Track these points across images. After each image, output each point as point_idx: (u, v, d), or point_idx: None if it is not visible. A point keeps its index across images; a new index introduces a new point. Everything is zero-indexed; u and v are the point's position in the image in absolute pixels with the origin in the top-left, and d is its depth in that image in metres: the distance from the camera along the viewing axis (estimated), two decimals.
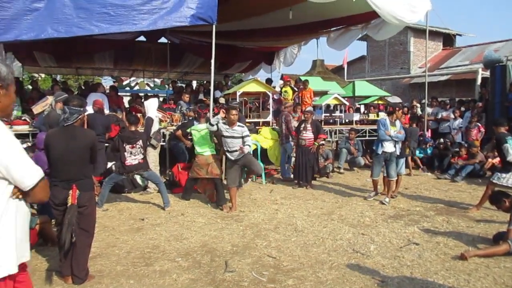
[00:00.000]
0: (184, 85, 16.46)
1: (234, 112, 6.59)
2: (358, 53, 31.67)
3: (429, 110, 12.37)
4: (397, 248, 4.91)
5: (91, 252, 4.17)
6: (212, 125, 6.65)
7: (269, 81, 13.19)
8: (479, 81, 13.97)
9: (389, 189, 7.31)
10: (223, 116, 6.98)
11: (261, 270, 4.26)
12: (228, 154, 6.71)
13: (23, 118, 8.44)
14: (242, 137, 6.58)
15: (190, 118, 9.31)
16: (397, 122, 7.22)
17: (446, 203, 7.23)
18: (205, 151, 6.85)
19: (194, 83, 20.24)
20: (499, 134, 6.60)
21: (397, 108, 7.43)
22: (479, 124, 10.69)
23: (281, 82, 12.44)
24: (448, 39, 23.05)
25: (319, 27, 12.55)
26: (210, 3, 7.46)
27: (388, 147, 7.09)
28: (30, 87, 12.87)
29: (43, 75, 23.26)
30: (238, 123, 6.66)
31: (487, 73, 12.49)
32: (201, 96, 12.39)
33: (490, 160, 8.86)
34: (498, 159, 7.21)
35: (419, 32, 21.43)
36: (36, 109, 8.40)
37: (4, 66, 1.95)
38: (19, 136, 7.99)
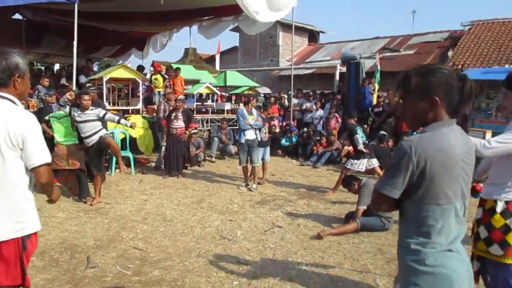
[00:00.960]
0: (43, 68, 14.98)
1: (86, 97, 6.26)
2: (232, 44, 32.29)
3: (295, 101, 13.20)
4: (262, 232, 5.17)
5: None
6: (62, 105, 6.44)
7: (140, 68, 12.72)
8: (337, 76, 15.31)
9: (255, 175, 7.64)
10: (70, 98, 6.77)
11: (126, 263, 4.13)
12: (84, 141, 6.38)
13: None
14: (101, 118, 6.37)
15: (50, 104, 8.51)
16: (254, 111, 7.61)
17: (308, 187, 7.82)
18: (65, 141, 6.31)
19: (57, 66, 18.55)
20: (350, 125, 7.37)
21: (251, 98, 7.86)
22: (337, 115, 11.74)
23: (152, 69, 12.10)
24: (312, 36, 24.81)
25: (191, 15, 12.47)
26: None
27: (250, 135, 7.43)
28: None
29: None
30: (91, 107, 6.37)
31: (344, 69, 13.75)
32: (63, 81, 11.41)
33: (345, 147, 9.85)
34: (351, 147, 8.05)
35: (287, 27, 22.61)
36: None
37: (21, 58, 2.32)
38: None
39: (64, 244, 4.61)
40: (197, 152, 9.73)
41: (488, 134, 6.58)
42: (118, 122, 6.78)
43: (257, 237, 4.98)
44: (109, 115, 6.58)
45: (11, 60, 2.28)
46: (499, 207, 2.60)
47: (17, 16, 12.83)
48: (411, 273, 1.76)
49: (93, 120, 6.27)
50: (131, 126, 7.15)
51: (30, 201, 2.37)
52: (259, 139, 7.57)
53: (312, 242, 4.86)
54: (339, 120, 11.63)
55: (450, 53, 16.23)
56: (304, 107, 13.14)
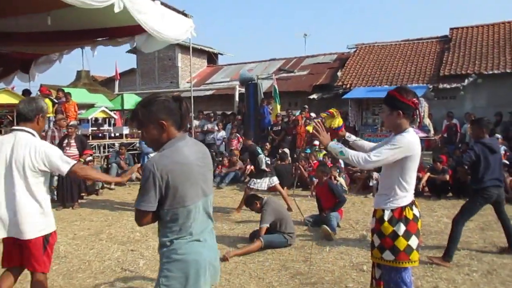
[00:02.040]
0: None
1: None
2: (129, 66, 31.39)
3: (196, 122, 13.18)
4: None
5: None
6: None
7: (27, 92, 11.75)
8: (237, 96, 15.65)
9: None
10: None
11: None
12: None
13: None
14: None
15: None
16: None
17: (213, 209, 7.76)
18: None
19: None
20: (250, 147, 7.56)
21: None
22: (238, 135, 11.96)
23: (38, 93, 11.26)
24: (211, 57, 25.12)
25: (84, 36, 11.88)
26: None
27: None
28: None
29: None
30: None
31: (243, 89, 14.11)
32: None
33: (248, 167, 10.04)
34: (253, 166, 8.23)
35: (185, 49, 22.57)
36: None
37: (44, 102, 3.28)
38: None
39: None
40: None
41: None
42: None
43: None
44: None
45: (38, 103, 3.17)
46: (386, 215, 2.82)
47: None
48: (166, 262, 2.09)
49: None
50: None
51: (48, 207, 3.13)
52: None
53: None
54: (241, 140, 11.85)
55: (339, 73, 17.49)
56: (206, 128, 13.17)
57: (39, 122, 3.14)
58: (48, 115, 9.87)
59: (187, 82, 23.07)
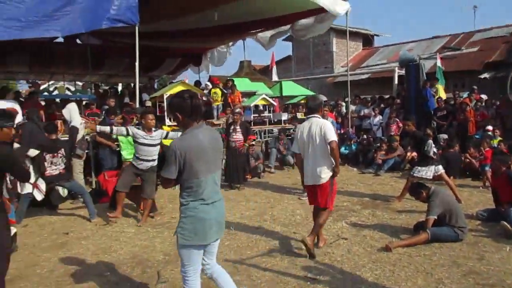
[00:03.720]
0: (107, 88, 15.79)
1: (150, 116, 6.06)
2: (284, 53, 32.35)
3: (352, 107, 12.94)
4: (327, 244, 5.06)
5: (9, 274, 3.81)
6: (126, 134, 6.12)
7: (197, 83, 13.05)
8: (396, 79, 14.84)
9: None
10: (119, 121, 6.74)
11: None
12: (137, 162, 6.10)
13: None
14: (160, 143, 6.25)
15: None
16: (328, 119, 7.44)
17: (371, 196, 7.59)
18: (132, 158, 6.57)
19: (120, 86, 19.48)
20: (414, 132, 7.09)
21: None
22: (397, 120, 11.36)
23: (208, 83, 12.36)
24: (367, 40, 24.34)
25: (246, 28, 12.64)
26: (129, 4, 7.20)
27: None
28: None
29: None
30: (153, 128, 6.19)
31: (403, 71, 13.31)
32: (126, 100, 11.94)
33: (409, 153, 9.48)
34: (415, 153, 7.73)
35: (340, 32, 22.35)
36: None
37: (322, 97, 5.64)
38: None
39: (135, 259, 4.77)
40: (257, 164, 9.78)
41: None
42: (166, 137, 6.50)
43: (322, 250, 4.89)
44: (171, 133, 6.42)
45: (319, 99, 5.33)
46: None
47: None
48: (183, 217, 2.89)
49: (156, 145, 6.15)
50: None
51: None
52: None
53: (381, 255, 4.69)
54: (400, 125, 11.24)
55: None
56: (362, 113, 12.85)
57: (321, 111, 5.22)
58: (217, 103, 10.83)
59: (342, 67, 22.78)
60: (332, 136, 4.61)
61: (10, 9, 6.49)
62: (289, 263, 4.52)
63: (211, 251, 3.13)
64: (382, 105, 12.99)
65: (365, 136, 11.49)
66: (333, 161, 4.71)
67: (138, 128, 6.09)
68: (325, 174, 4.69)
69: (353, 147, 11.35)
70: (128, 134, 6.03)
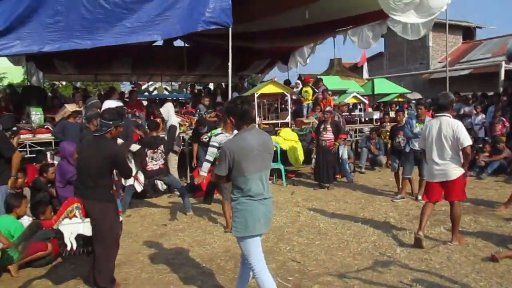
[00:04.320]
0: (202, 88, 16.50)
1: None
2: (376, 50, 31.28)
3: None
4: (425, 250, 4.80)
5: (116, 259, 4.16)
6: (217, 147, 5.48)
7: (287, 81, 13.13)
8: (502, 74, 13.61)
9: (421, 187, 7.21)
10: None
11: (286, 275, 4.22)
12: None
13: (45, 126, 8.59)
14: None
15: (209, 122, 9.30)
16: (426, 119, 7.04)
17: (473, 201, 7.03)
18: None
19: (211, 85, 20.26)
20: None
21: (419, 106, 7.30)
22: (504, 119, 10.40)
23: (297, 82, 12.35)
24: (468, 32, 22.59)
25: (336, 25, 12.41)
26: (223, 6, 7.43)
27: (417, 145, 6.96)
28: (50, 95, 13.05)
29: (63, 83, 23.61)
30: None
31: (511, 66, 12.16)
32: (218, 99, 12.38)
33: None
34: None
35: (437, 26, 20.92)
36: (57, 117, 8.57)
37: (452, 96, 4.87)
38: (42, 144, 8.15)
39: (228, 252, 4.93)
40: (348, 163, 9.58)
41: None
42: None
43: (419, 256, 4.64)
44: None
45: (450, 97, 5.11)
46: None
47: (179, 42, 14.47)
48: (234, 211, 3.22)
49: None
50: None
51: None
52: None
53: (486, 265, 4.33)
54: (507, 124, 10.28)
55: None
56: (462, 112, 11.94)
57: (452, 109, 5.10)
58: (307, 102, 10.79)
59: (439, 62, 21.45)
60: (467, 141, 4.72)
61: (119, 16, 7.05)
62: (383, 267, 4.36)
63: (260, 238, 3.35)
64: (485, 103, 11.97)
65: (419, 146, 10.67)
66: (463, 160, 4.88)
67: (217, 135, 5.70)
68: (457, 170, 4.84)
69: None
70: (218, 148, 5.42)
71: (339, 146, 8.61)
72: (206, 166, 5.50)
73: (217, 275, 4.28)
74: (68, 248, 3.72)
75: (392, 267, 4.35)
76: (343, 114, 10.93)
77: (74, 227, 3.74)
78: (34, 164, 7.49)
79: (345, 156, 9.06)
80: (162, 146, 6.77)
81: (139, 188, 6.65)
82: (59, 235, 3.73)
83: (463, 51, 21.52)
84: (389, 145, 10.49)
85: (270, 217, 3.31)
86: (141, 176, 6.64)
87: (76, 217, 3.75)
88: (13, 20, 6.64)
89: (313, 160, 8.64)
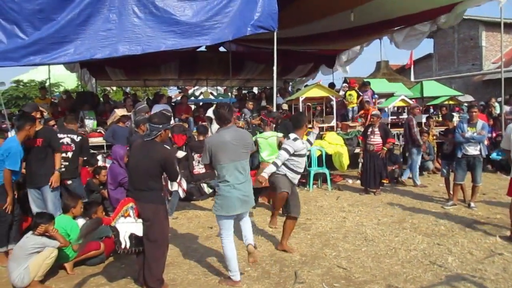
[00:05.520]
0: (246, 92, 16.62)
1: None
2: (424, 52, 30.30)
3: (506, 108, 11.53)
4: (478, 260, 4.59)
5: None
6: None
7: (331, 85, 12.97)
8: None
9: (474, 194, 6.98)
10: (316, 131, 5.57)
11: (332, 282, 4.16)
12: (294, 176, 5.06)
13: (98, 130, 8.97)
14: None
15: (254, 125, 9.35)
16: (479, 123, 6.76)
17: None
18: (271, 159, 6.76)
19: (255, 90, 20.39)
20: None
21: (473, 110, 6.99)
22: None
23: (345, 85, 12.16)
24: None
25: (382, 27, 12.14)
26: (270, 11, 7.49)
27: (470, 150, 6.69)
28: (102, 100, 13.62)
29: (114, 88, 24.57)
30: None
31: None
32: (263, 103, 12.42)
33: None
34: None
35: (491, 25, 20.13)
36: (108, 121, 8.93)
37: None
38: (95, 147, 8.51)
39: (273, 257, 4.93)
40: (394, 168, 9.33)
41: None
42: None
43: (472, 266, 4.44)
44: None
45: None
46: None
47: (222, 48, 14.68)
48: (216, 195, 4.13)
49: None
50: None
51: None
52: (484, 155, 6.84)
53: None
54: None
55: None
56: None
57: None
58: (352, 106, 10.61)
59: (493, 63, 20.51)
60: None
61: (168, 22, 7.24)
62: (434, 276, 4.21)
63: (242, 218, 4.29)
64: None
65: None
66: None
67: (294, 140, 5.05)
68: None
69: None
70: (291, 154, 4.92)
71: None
72: (271, 169, 4.85)
73: (262, 279, 4.29)
74: (123, 246, 3.86)
75: (443, 276, 4.20)
76: (392, 118, 10.68)
77: (128, 226, 3.87)
78: (86, 167, 7.84)
79: (415, 158, 8.83)
80: None
81: (182, 194, 6.81)
82: (116, 232, 3.87)
83: None
84: (434, 149, 10.16)
85: (247, 200, 4.09)
86: (183, 183, 6.78)
87: (130, 216, 3.88)
88: (68, 28, 6.97)
89: (360, 165, 8.47)
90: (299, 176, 5.16)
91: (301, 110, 9.62)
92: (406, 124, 8.91)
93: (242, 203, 4.03)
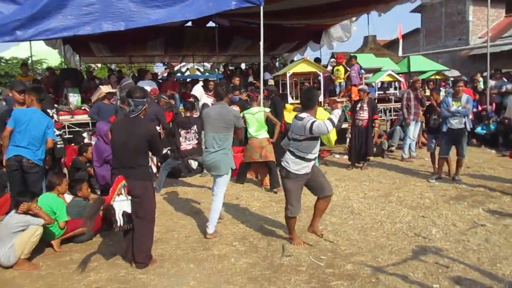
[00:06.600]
0: (233, 68, 16.45)
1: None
2: (411, 26, 30.17)
3: (492, 83, 11.62)
4: (461, 232, 4.69)
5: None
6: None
7: (317, 60, 12.87)
8: None
9: (458, 167, 7.07)
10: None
11: (319, 255, 4.22)
12: (303, 165, 4.32)
13: (82, 107, 8.84)
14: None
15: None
16: (463, 97, 6.80)
17: None
18: (259, 134, 6.77)
19: (243, 66, 20.17)
20: None
21: (458, 84, 7.01)
22: None
23: (333, 60, 12.09)
24: (511, 5, 21.45)
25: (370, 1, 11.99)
26: None
27: (455, 123, 6.74)
28: (86, 77, 13.36)
29: (99, 65, 24.12)
30: None
31: None
32: (250, 79, 12.33)
33: None
34: None
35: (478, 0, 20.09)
36: (93, 98, 8.79)
37: None
38: (80, 125, 8.40)
39: (261, 231, 4.97)
40: (382, 139, 9.41)
41: None
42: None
43: (455, 237, 4.54)
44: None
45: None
46: None
47: (211, 23, 14.40)
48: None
49: None
50: None
51: None
52: (469, 129, 6.91)
53: None
54: None
55: None
56: (503, 89, 11.42)
57: None
58: (339, 81, 10.59)
59: (479, 38, 20.56)
60: None
61: None
62: (418, 247, 4.30)
63: (216, 180, 4.89)
64: None
65: (506, 115, 10.25)
66: None
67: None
68: None
69: (492, 126, 10.22)
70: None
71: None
72: (329, 124, 4.02)
73: (250, 253, 4.33)
74: (118, 224, 3.85)
75: (428, 248, 4.28)
76: (379, 92, 10.68)
77: (121, 204, 3.86)
78: (72, 144, 7.75)
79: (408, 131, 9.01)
80: (195, 126, 6.83)
81: (155, 169, 7.00)
82: (113, 211, 3.86)
83: (506, 25, 20.51)
84: (423, 124, 10.23)
85: (216, 166, 4.76)
86: (154, 158, 7.13)
87: (122, 194, 3.86)
88: (48, 4, 6.76)
89: (347, 140, 8.51)
90: (311, 163, 4.34)
91: (288, 85, 9.57)
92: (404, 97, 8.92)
93: (212, 167, 4.84)
